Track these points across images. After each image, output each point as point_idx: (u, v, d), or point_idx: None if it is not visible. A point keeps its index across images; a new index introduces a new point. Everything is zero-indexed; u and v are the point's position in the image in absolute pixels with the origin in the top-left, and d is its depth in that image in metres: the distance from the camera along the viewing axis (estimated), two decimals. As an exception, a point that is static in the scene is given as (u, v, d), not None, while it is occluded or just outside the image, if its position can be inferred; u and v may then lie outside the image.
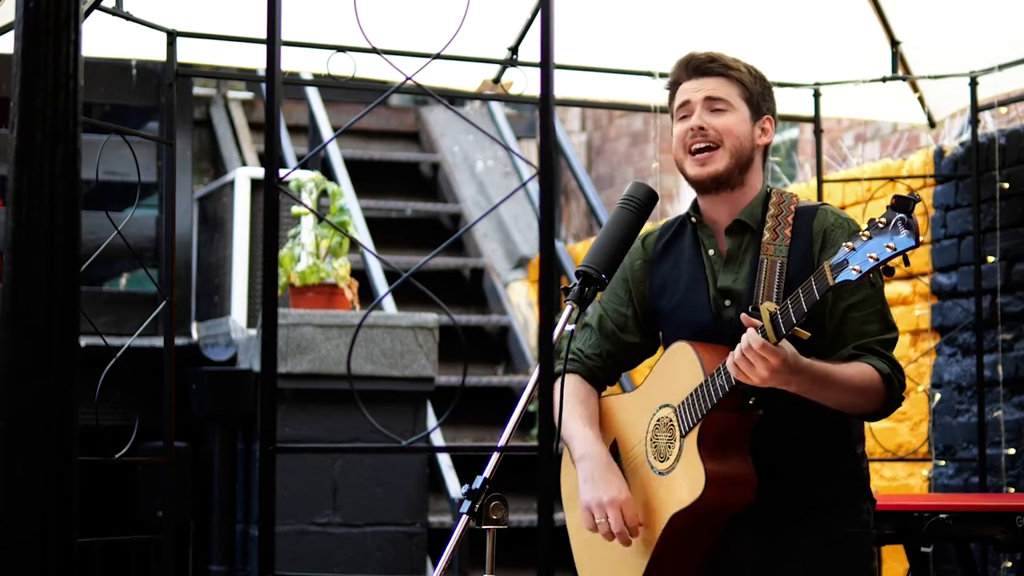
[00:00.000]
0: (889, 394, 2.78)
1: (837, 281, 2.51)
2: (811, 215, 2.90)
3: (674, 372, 2.89)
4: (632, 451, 2.96)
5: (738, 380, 2.68)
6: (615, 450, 3.01)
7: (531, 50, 4.58)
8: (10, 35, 3.73)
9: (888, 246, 2.45)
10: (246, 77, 7.18)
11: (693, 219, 3.00)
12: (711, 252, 2.95)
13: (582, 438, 2.96)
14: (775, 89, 3.07)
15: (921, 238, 2.44)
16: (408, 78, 1.93)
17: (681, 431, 2.82)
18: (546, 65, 1.61)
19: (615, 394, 3.12)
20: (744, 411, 2.77)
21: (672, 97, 3.00)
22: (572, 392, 3.04)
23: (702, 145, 2.91)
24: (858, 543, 2.88)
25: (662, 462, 2.86)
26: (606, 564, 2.98)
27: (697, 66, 2.95)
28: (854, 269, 2.47)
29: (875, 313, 2.84)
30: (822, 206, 2.94)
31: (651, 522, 2.86)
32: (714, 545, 2.84)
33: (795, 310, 2.59)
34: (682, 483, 2.80)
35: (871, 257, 2.45)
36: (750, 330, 2.64)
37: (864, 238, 2.48)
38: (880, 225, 2.47)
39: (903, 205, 2.46)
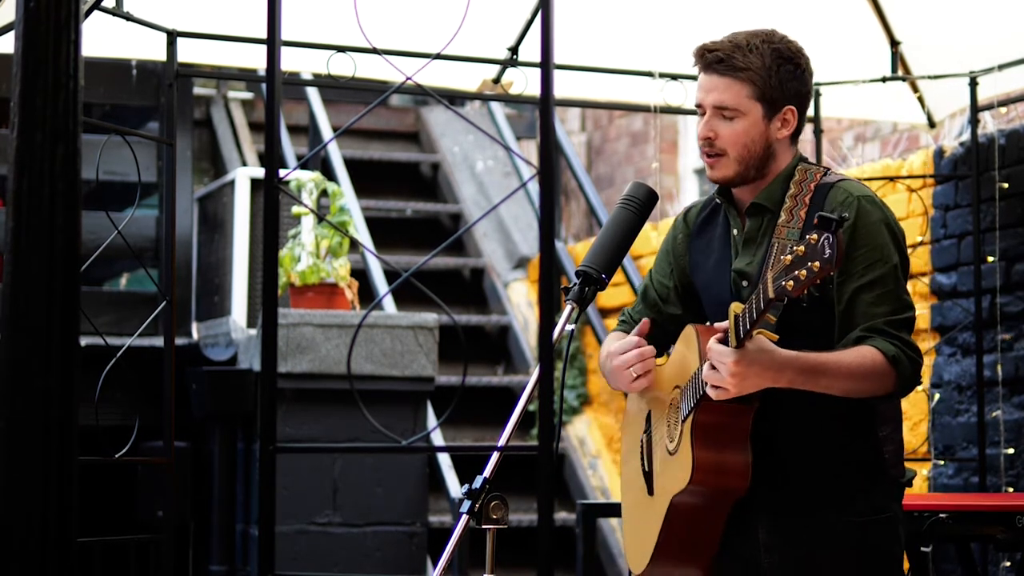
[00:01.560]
0: (900, 374, 2.73)
1: (775, 293, 2.51)
2: (825, 194, 2.85)
3: (684, 354, 2.91)
4: (657, 425, 3.00)
5: (714, 385, 2.68)
6: (649, 420, 3.05)
7: (531, 50, 4.58)
8: (10, 35, 3.73)
9: (814, 265, 2.46)
10: (246, 77, 7.18)
11: (718, 200, 2.99)
12: (735, 232, 2.95)
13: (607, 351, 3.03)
14: None
15: (836, 260, 2.45)
16: (408, 78, 1.93)
17: (682, 415, 2.84)
18: (546, 65, 1.61)
19: (658, 363, 3.13)
20: (737, 401, 2.76)
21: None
22: (612, 340, 3.08)
23: (710, 152, 2.90)
24: (880, 530, 2.84)
25: (671, 442, 2.89)
26: (636, 526, 3.03)
27: (707, 63, 2.91)
28: (787, 284, 2.49)
29: (886, 294, 2.78)
30: (839, 183, 2.88)
31: (660, 499, 2.89)
32: (720, 530, 2.84)
33: (748, 317, 2.60)
34: (678, 467, 2.81)
35: (800, 274, 2.47)
36: (712, 339, 2.66)
37: (799, 252, 2.49)
38: (811, 242, 2.47)
39: (826, 224, 2.45)
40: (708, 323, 2.98)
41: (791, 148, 2.95)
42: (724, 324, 2.68)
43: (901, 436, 2.93)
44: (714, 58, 2.89)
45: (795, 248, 2.50)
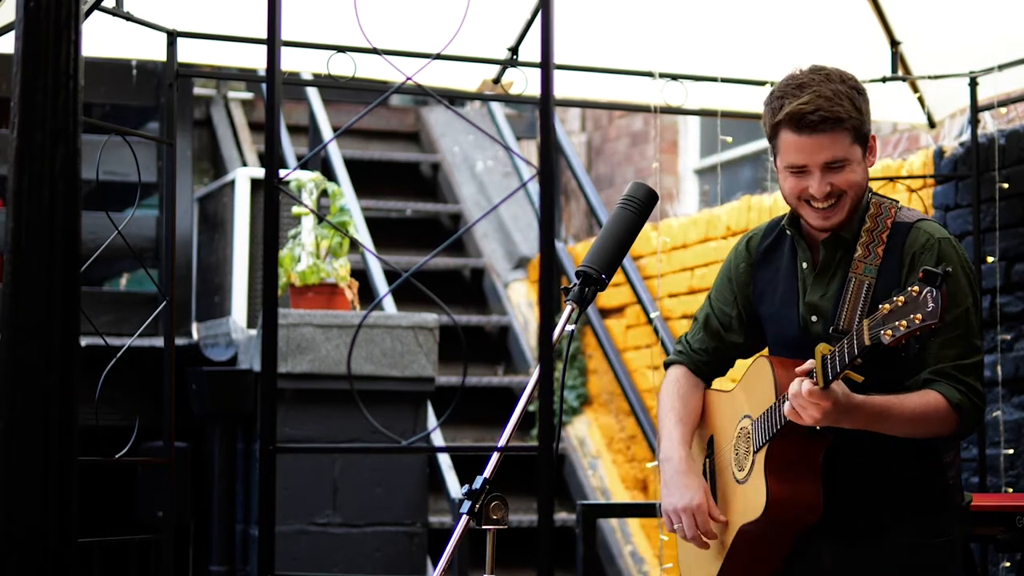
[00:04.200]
0: (961, 421, 2.78)
1: (871, 343, 2.55)
2: (904, 233, 2.86)
3: (755, 385, 2.93)
4: (722, 451, 3.03)
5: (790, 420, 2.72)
6: (712, 445, 3.08)
7: (531, 50, 4.58)
8: (10, 35, 3.73)
9: (916, 317, 2.49)
10: (246, 77, 7.18)
11: (788, 230, 2.99)
12: (804, 265, 2.95)
13: (668, 438, 3.04)
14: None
15: (940, 316, 2.49)
16: (408, 78, 1.93)
17: (755, 446, 2.87)
18: (546, 65, 1.61)
19: (720, 389, 3.15)
20: (812, 436, 2.80)
21: (774, 138, 2.90)
22: (674, 386, 3.12)
23: (829, 202, 2.86)
24: (940, 555, 2.88)
25: (740, 471, 2.93)
26: (693, 558, 3.08)
27: (807, 124, 2.83)
28: (886, 333, 2.52)
29: (957, 337, 2.80)
30: (917, 223, 2.88)
31: (728, 526, 2.94)
32: (784, 553, 2.89)
33: (840, 360, 2.62)
34: (751, 497, 2.86)
35: (900, 325, 2.51)
36: (799, 376, 2.68)
37: (899, 303, 2.52)
38: (913, 295, 2.51)
39: (931, 278, 2.49)
40: (769, 352, 3.02)
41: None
42: (808, 365, 2.68)
43: (959, 460, 2.97)
44: (818, 119, 2.83)
45: (896, 298, 2.52)
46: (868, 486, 2.87)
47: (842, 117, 2.82)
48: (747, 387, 2.97)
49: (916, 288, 2.50)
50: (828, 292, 2.89)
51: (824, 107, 2.82)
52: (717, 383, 3.21)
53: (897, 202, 2.96)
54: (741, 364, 3.15)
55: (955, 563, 2.91)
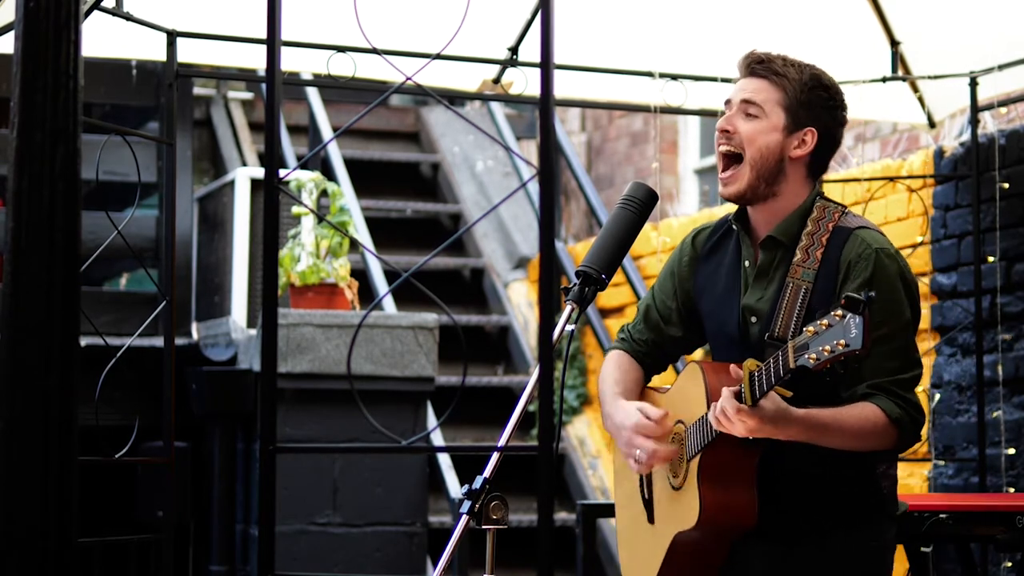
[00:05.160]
0: (900, 435, 2.76)
1: (796, 365, 2.52)
2: (843, 239, 2.83)
3: (688, 391, 2.90)
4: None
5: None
6: None
7: (531, 50, 4.58)
8: (10, 35, 3.73)
9: (839, 343, 2.47)
10: (246, 77, 7.18)
11: (734, 226, 2.98)
12: (747, 263, 2.93)
13: (610, 402, 3.00)
14: None
15: (865, 344, 2.46)
16: (408, 78, 1.93)
17: (688, 454, 2.85)
18: (546, 65, 1.61)
19: (657, 388, 3.13)
20: (746, 445, 2.77)
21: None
22: (613, 363, 3.09)
23: (724, 148, 2.89)
24: (871, 565, 2.87)
25: (675, 478, 2.90)
26: (635, 551, 3.05)
27: (747, 64, 2.91)
28: (811, 357, 2.50)
29: (896, 350, 2.77)
30: (856, 230, 2.85)
31: (663, 531, 2.91)
32: (722, 557, 2.87)
33: (767, 379, 2.60)
34: (685, 505, 2.83)
35: (824, 350, 2.48)
36: (725, 392, 2.65)
37: (823, 326, 2.50)
38: (836, 318, 2.48)
39: (854, 305, 2.46)
40: (709, 347, 3.01)
41: (808, 181, 2.93)
42: (736, 375, 2.67)
43: (896, 471, 2.95)
44: (755, 59, 2.90)
45: (820, 322, 2.50)
46: (800, 493, 2.84)
47: (776, 71, 2.87)
48: (681, 391, 2.94)
49: (839, 313, 2.47)
50: (766, 295, 2.86)
51: (769, 57, 2.90)
52: (656, 380, 3.18)
53: (844, 207, 2.93)
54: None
55: (886, 570, 2.89)
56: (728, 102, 2.93)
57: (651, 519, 2.98)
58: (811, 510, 2.84)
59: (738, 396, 2.64)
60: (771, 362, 2.59)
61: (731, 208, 3.01)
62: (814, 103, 2.89)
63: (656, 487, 2.98)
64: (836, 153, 3.03)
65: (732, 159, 2.89)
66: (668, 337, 3.09)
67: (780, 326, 2.79)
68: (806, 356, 2.50)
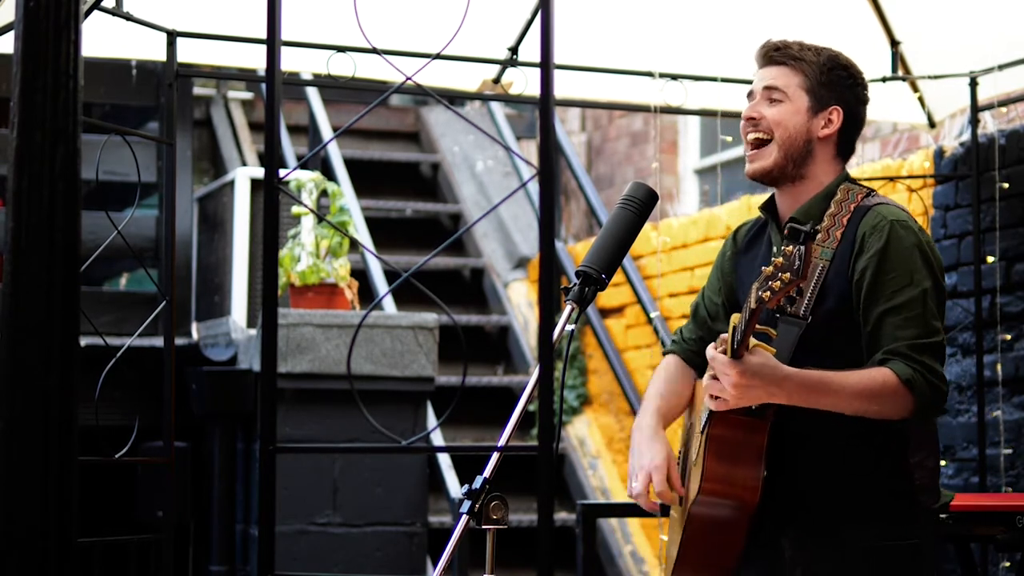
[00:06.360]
0: (917, 400, 2.70)
1: (755, 305, 2.54)
2: (862, 216, 2.85)
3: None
4: (694, 438, 3.03)
5: (715, 396, 2.71)
6: (691, 431, 3.08)
7: (531, 50, 4.58)
8: (10, 35, 3.73)
9: (784, 275, 2.50)
10: (246, 77, 7.18)
11: (762, 214, 3.01)
12: (775, 251, 2.95)
13: (644, 410, 3.04)
14: None
15: (802, 272, 2.48)
16: (408, 78, 1.93)
17: (702, 429, 2.88)
18: (546, 65, 1.61)
19: None
20: (751, 415, 2.77)
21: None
22: (662, 370, 3.13)
23: (753, 136, 2.92)
24: (902, 556, 2.82)
25: (695, 455, 2.94)
26: (673, 536, 3.08)
27: (764, 53, 2.95)
28: (764, 294, 2.52)
29: (913, 318, 2.75)
30: (876, 206, 2.87)
31: (686, 509, 2.93)
32: (739, 546, 2.85)
33: (741, 328, 2.61)
34: (695, 479, 2.86)
35: (774, 285, 2.51)
36: (709, 348, 2.68)
37: (777, 263, 2.52)
38: (786, 253, 2.51)
39: (796, 235, 2.50)
40: None
41: (835, 161, 2.95)
42: (725, 335, 2.69)
43: (936, 463, 2.90)
44: (772, 47, 2.95)
45: (774, 259, 2.52)
46: (825, 481, 2.83)
47: (794, 56, 2.91)
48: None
49: (789, 248, 2.50)
50: None
51: (786, 43, 2.94)
52: None
53: (870, 190, 2.94)
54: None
55: (921, 570, 2.83)
56: (750, 94, 2.96)
57: (682, 501, 3.02)
58: (832, 499, 2.82)
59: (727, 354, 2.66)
60: (744, 308, 2.62)
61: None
62: (835, 83, 2.93)
63: (687, 467, 3.02)
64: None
65: (761, 144, 2.92)
66: (717, 332, 3.11)
67: (795, 304, 2.79)
68: (760, 294, 2.52)
